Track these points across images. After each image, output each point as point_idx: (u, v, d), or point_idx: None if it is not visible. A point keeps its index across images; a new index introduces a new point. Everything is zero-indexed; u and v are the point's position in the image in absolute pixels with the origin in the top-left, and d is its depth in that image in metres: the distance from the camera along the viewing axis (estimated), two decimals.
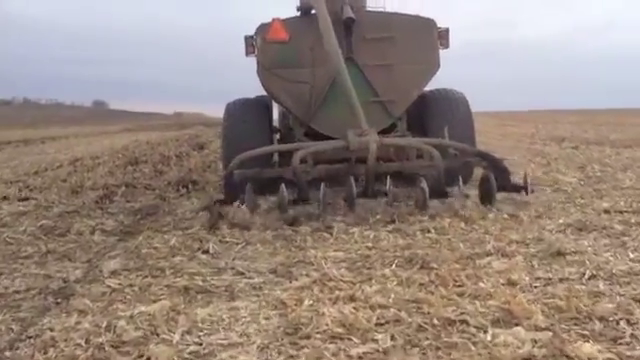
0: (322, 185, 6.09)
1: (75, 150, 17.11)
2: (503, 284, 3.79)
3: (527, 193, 6.40)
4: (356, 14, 7.16)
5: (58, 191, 8.52)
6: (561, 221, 5.52)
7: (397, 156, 7.39)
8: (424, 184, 6.10)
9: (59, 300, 3.79)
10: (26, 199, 7.98)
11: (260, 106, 8.01)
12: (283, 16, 7.39)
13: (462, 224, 5.53)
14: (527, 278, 3.87)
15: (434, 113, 7.71)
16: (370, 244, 4.94)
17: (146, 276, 4.22)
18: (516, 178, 7.08)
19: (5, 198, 7.98)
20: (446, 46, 7.47)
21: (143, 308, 3.47)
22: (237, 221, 5.82)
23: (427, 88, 7.83)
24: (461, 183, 6.53)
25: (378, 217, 5.90)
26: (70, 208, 7.18)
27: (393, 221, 5.78)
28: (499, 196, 6.39)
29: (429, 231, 5.35)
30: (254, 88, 7.91)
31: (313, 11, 7.02)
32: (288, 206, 6.01)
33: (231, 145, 7.46)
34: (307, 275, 4.13)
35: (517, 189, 6.52)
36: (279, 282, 4.04)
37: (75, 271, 4.39)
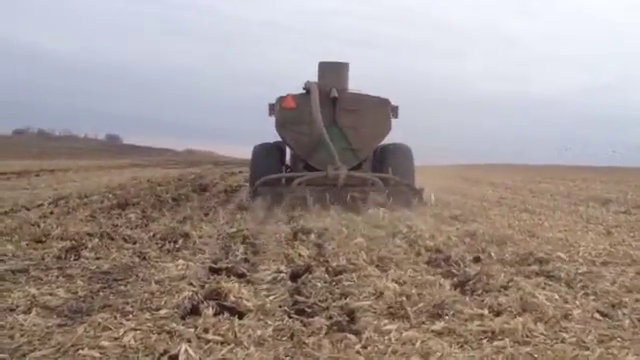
0: (311, 198, 10.24)
1: (67, 186, 15.62)
2: None
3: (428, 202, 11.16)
4: (339, 94, 11.27)
5: (19, 239, 6.98)
6: None
7: (361, 184, 11.05)
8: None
9: None
10: None
11: (276, 148, 12.04)
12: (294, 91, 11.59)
13: (540, 326, 3.94)
14: None
15: (388, 158, 11.75)
16: (416, 358, 3.35)
17: None
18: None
19: None
20: (396, 116, 11.61)
21: None
22: (228, 304, 4.28)
23: (386, 142, 11.98)
24: (391, 199, 10.48)
25: (420, 305, 4.33)
26: (21, 265, 5.64)
27: (440, 314, 4.20)
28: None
29: (495, 334, 3.77)
30: (267, 131, 11.99)
31: None
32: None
33: (256, 172, 11.48)
34: None
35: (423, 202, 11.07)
36: None
37: None
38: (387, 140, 12.01)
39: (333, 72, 11.51)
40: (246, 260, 6.08)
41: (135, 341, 3.47)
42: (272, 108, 11.48)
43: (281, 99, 11.31)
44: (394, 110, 11.54)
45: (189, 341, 3.52)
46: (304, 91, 11.33)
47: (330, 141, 10.73)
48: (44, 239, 6.96)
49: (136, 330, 3.71)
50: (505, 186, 20.03)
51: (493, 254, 6.50)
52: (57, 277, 5.24)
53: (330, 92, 11.11)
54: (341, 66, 11.72)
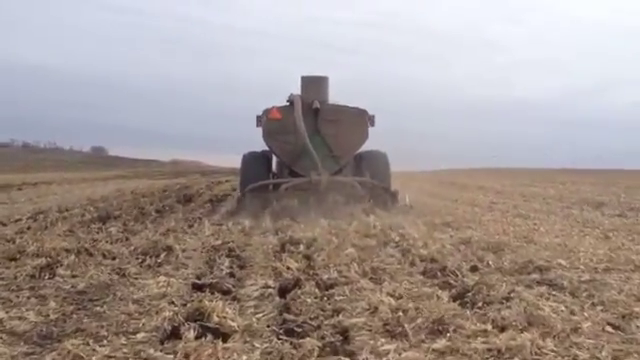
0: (295, 201, 11.03)
1: (48, 200, 15.21)
2: None
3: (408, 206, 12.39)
4: (321, 105, 12.17)
5: None
6: None
7: (342, 187, 11.59)
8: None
9: None
10: None
11: (263, 156, 12.87)
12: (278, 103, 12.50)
13: (549, 341, 3.64)
14: None
15: (366, 163, 12.63)
16: None
17: None
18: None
19: None
20: (372, 125, 12.51)
21: None
22: (211, 325, 3.95)
23: (366, 148, 12.87)
24: (370, 201, 11.44)
25: (418, 321, 4.02)
26: None
27: (441, 331, 3.90)
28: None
29: (502, 352, 3.48)
30: (255, 140, 12.66)
31: None
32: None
33: (245, 179, 12.29)
34: None
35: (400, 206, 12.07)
36: None
37: None
38: (370, 146, 12.95)
39: (314, 85, 12.44)
40: (232, 275, 5.76)
41: None
42: (259, 119, 12.32)
43: (267, 111, 12.18)
44: (371, 119, 12.46)
45: None
46: (288, 103, 12.18)
47: (313, 149, 11.55)
48: (18, 256, 6.59)
49: (110, 358, 3.41)
50: (495, 190, 19.82)
51: (491, 262, 6.23)
52: (28, 298, 4.89)
53: (312, 104, 12.01)
54: (322, 80, 12.69)
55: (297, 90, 12.40)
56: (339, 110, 12.38)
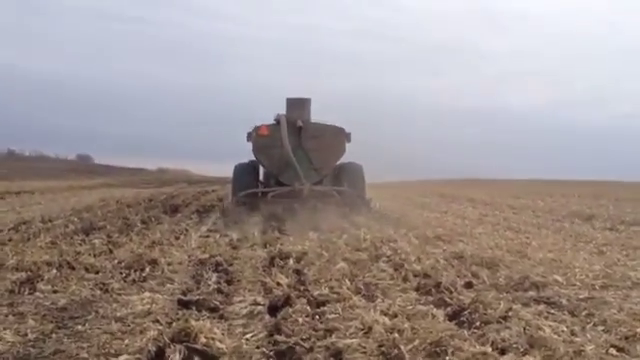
0: (281, 207, 12.71)
1: (31, 209, 14.89)
2: None
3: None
4: (304, 124, 13.70)
5: None
6: None
7: (322, 196, 13.29)
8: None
9: None
10: None
11: (252, 167, 14.48)
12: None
13: None
14: None
15: (343, 174, 14.22)
16: None
17: None
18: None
19: None
20: (349, 141, 14.01)
21: None
22: (198, 346, 3.76)
23: (342, 161, 14.28)
24: (347, 208, 13.07)
25: (415, 343, 3.86)
26: None
27: (438, 353, 3.74)
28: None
29: None
30: (242, 149, 14.21)
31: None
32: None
33: (236, 186, 13.98)
34: None
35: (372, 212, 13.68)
36: None
37: None
38: (359, 157, 14.65)
39: (298, 106, 14.05)
40: (219, 290, 5.57)
41: None
42: (249, 135, 13.83)
43: (257, 128, 13.78)
44: (347, 136, 14.04)
45: None
46: (275, 122, 13.71)
47: (296, 162, 13.10)
48: None
49: None
50: (483, 202, 19.71)
51: (485, 278, 6.10)
52: (6, 316, 4.69)
53: (296, 122, 13.56)
54: (304, 101, 14.29)
55: (283, 110, 13.98)
56: (319, 128, 13.88)
